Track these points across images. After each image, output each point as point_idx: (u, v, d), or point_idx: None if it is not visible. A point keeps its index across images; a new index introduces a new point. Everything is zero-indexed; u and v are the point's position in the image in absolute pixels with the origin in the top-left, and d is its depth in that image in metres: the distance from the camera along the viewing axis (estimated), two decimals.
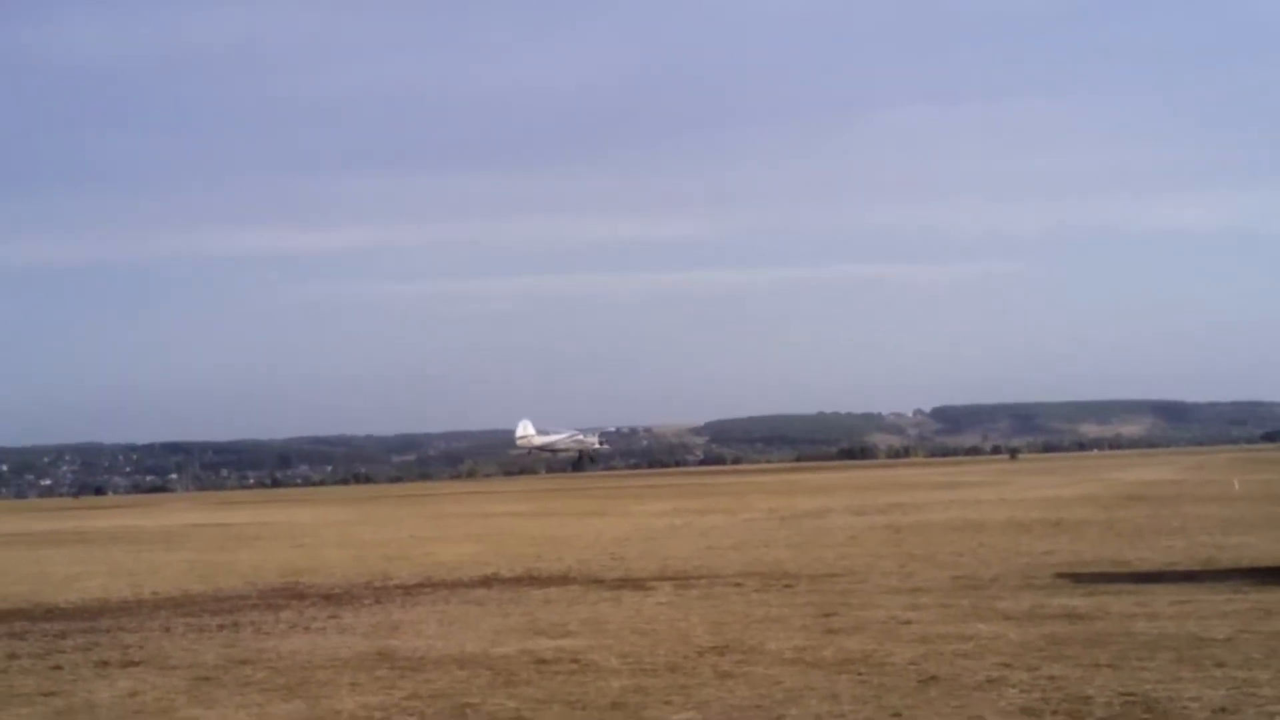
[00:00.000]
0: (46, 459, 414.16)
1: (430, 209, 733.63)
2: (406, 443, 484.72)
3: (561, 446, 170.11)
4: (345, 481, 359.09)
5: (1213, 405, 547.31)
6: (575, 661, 18.81)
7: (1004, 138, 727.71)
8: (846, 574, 30.18)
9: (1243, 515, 46.67)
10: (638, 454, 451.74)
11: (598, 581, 30.87)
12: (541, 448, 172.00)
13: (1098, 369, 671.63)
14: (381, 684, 17.61)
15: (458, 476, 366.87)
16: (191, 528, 73.88)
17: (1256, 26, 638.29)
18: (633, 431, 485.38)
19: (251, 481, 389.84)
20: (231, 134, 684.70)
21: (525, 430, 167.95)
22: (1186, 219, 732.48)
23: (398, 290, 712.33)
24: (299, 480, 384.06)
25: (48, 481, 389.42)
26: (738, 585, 28.58)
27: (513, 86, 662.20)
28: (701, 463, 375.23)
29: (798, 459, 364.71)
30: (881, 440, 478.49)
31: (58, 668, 20.09)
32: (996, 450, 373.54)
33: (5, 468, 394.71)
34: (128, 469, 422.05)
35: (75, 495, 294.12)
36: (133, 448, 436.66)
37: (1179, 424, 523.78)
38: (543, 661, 18.92)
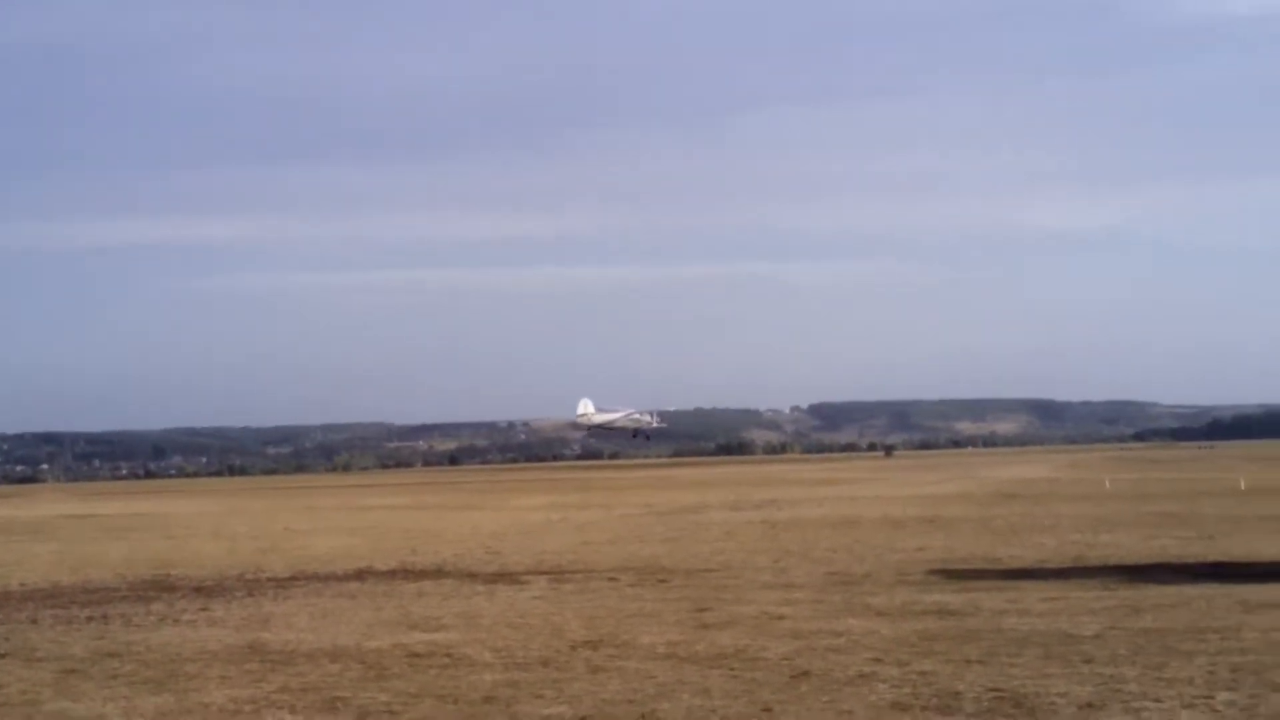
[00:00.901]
0: None
1: (308, 202, 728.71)
2: (283, 434, 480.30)
3: (619, 425, 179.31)
4: (220, 473, 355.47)
5: (1086, 404, 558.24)
6: (448, 655, 18.71)
7: (881, 137, 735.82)
8: (721, 569, 30.31)
9: (1113, 514, 47.45)
10: (514, 449, 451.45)
11: (472, 575, 30.76)
12: (600, 425, 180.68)
13: (973, 368, 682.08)
14: (252, 677, 17.40)
15: (334, 469, 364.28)
16: (61, 518, 72.78)
17: (1128, 32, 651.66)
18: (510, 426, 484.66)
19: (125, 473, 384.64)
20: (105, 126, 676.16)
21: (585, 408, 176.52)
22: (1063, 221, 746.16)
23: (278, 282, 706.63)
24: (173, 472, 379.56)
25: None
26: (612, 580, 28.61)
27: (403, 82, 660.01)
28: (579, 457, 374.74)
29: (675, 454, 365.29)
30: (759, 436, 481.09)
31: None
32: (873, 447, 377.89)
33: None
34: None
35: None
36: (2, 437, 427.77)
37: (1053, 423, 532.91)
38: (415, 655, 18.80)
